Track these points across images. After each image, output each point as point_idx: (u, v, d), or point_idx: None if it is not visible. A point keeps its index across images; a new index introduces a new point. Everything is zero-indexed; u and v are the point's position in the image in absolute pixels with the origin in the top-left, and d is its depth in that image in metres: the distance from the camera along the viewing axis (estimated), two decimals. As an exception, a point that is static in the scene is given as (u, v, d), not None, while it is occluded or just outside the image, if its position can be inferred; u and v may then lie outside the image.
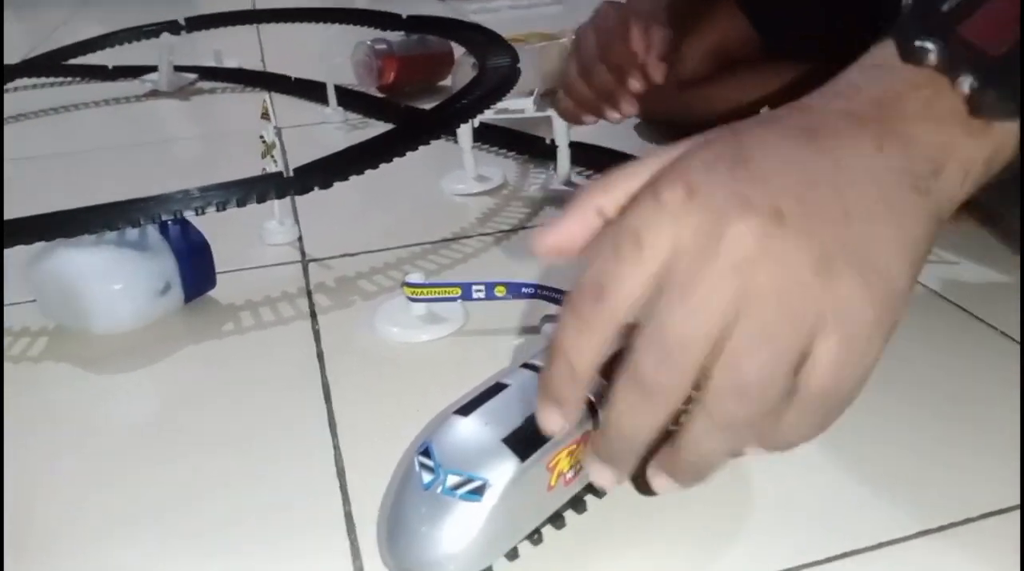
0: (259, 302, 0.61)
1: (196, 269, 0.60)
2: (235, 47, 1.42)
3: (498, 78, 0.80)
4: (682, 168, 0.26)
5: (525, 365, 0.38)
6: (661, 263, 0.25)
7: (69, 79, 1.31)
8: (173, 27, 1.22)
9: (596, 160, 0.81)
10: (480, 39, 1.00)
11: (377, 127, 1.00)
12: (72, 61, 1.29)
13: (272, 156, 0.67)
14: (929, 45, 0.27)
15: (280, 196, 0.59)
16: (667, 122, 0.93)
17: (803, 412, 0.26)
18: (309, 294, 0.62)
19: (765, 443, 0.28)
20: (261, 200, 0.59)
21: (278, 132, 0.98)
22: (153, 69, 1.21)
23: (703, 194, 0.25)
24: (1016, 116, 0.27)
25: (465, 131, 0.77)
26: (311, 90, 1.13)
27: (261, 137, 0.67)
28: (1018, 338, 0.51)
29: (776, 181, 0.25)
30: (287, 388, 0.50)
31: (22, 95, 1.26)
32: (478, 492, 0.33)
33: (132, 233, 0.58)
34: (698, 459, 0.27)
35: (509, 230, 0.71)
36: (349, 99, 1.07)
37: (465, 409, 0.36)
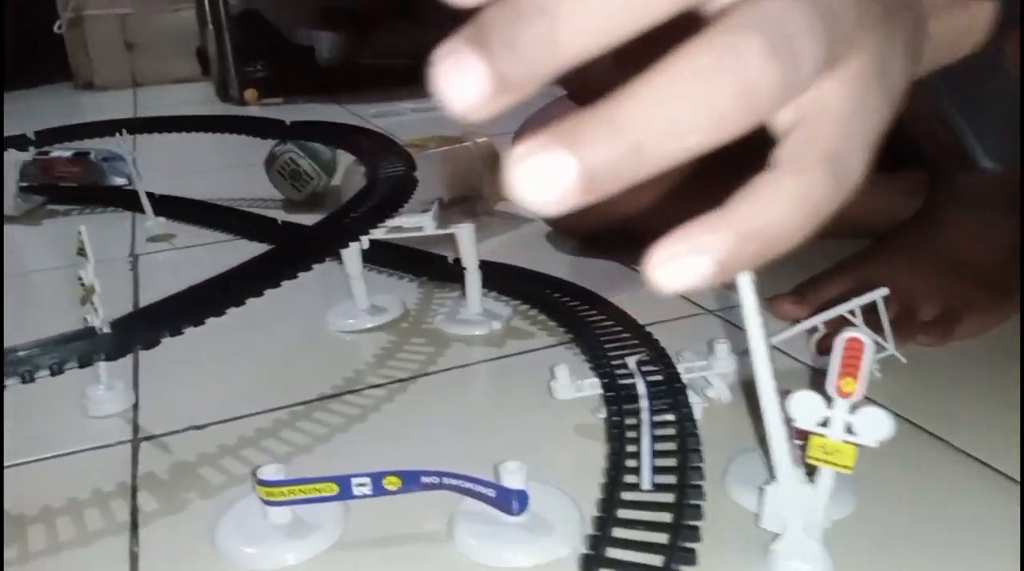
0: (60, 509, 0.44)
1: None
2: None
3: (390, 188, 0.67)
4: None
5: None
6: None
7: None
8: (21, 142, 1.06)
9: (511, 283, 0.68)
10: (371, 144, 0.87)
11: (249, 253, 0.86)
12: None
13: (92, 303, 0.51)
14: None
15: (85, 363, 0.44)
16: (579, 231, 0.82)
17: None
18: (133, 491, 0.45)
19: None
20: (57, 371, 0.43)
21: (133, 261, 0.82)
22: (-5, 191, 1.05)
23: None
24: None
25: (352, 254, 0.63)
26: (174, 208, 0.98)
27: (79, 278, 0.52)
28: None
29: None
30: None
31: None
32: None
33: None
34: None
35: (408, 378, 0.56)
36: (224, 218, 0.93)
37: None
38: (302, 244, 0.57)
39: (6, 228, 1.03)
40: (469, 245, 0.62)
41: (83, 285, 0.52)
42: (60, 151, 1.12)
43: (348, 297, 0.67)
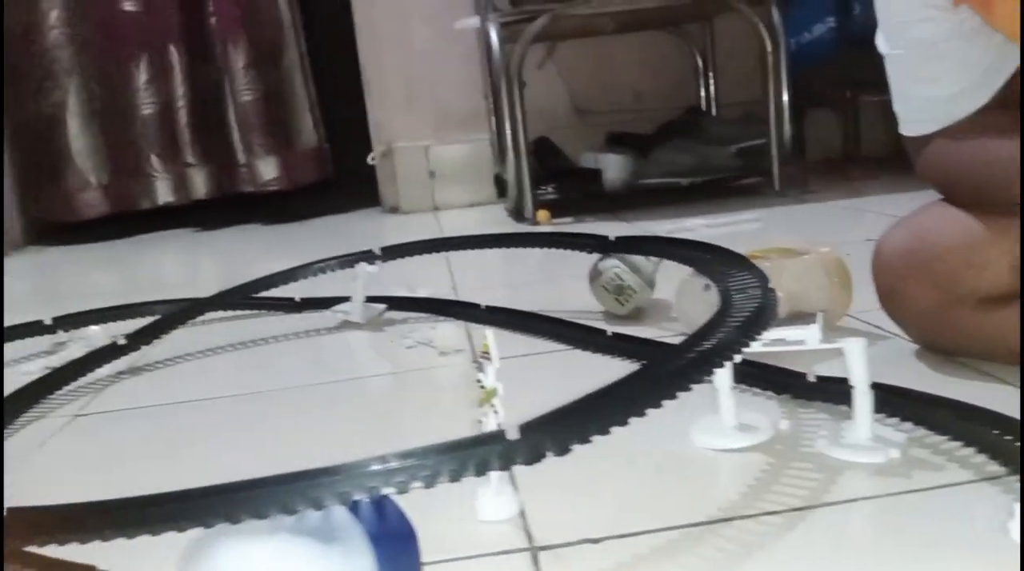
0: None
1: (398, 566, 0.43)
2: (424, 276, 1.36)
3: (758, 303, 0.64)
4: None
5: None
6: None
7: (258, 312, 1.28)
8: (369, 257, 1.16)
9: (902, 405, 0.61)
10: (709, 257, 0.85)
11: (581, 362, 0.85)
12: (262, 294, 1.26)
13: (492, 406, 0.52)
14: None
15: (504, 466, 0.43)
16: (958, 351, 0.73)
17: None
18: (543, 605, 0.44)
19: None
20: (480, 472, 0.43)
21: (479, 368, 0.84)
22: (340, 300, 1.15)
23: None
24: None
25: (725, 369, 0.60)
26: (502, 318, 1.02)
27: (478, 380, 0.53)
28: None
29: None
30: None
31: (212, 328, 1.22)
32: None
33: (314, 516, 0.43)
34: None
35: (804, 507, 0.51)
36: (553, 327, 0.95)
37: None
38: (694, 355, 0.55)
39: (352, 334, 1.12)
40: (860, 361, 0.57)
41: (482, 387, 0.53)
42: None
43: (710, 412, 0.63)
